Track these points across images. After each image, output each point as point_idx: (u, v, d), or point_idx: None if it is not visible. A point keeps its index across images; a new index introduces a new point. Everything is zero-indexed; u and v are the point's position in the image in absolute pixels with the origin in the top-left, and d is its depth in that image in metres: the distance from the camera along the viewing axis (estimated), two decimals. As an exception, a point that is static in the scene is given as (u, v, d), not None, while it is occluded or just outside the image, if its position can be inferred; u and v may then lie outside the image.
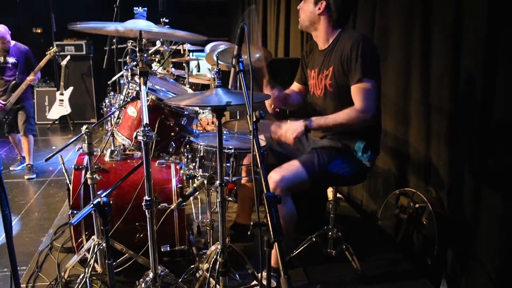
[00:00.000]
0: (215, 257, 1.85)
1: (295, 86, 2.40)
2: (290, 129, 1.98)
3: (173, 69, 4.59)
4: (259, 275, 2.02)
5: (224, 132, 2.46)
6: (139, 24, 1.73)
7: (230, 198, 3.12)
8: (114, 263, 1.87)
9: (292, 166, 2.00)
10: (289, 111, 2.88)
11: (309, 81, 2.26)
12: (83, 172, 2.23)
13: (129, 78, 2.42)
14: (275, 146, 2.31)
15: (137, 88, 2.21)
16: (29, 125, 4.24)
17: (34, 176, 4.20)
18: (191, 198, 2.77)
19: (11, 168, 4.47)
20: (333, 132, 2.14)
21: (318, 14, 2.06)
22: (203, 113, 4.88)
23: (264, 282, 1.50)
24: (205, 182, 1.87)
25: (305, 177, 1.98)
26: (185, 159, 2.19)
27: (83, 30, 1.70)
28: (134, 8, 1.82)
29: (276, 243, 1.06)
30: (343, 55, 1.99)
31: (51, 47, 4.74)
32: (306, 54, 2.30)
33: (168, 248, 2.26)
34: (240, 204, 2.71)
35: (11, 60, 4.19)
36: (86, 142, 1.96)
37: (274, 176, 1.96)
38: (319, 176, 2.03)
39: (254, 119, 1.34)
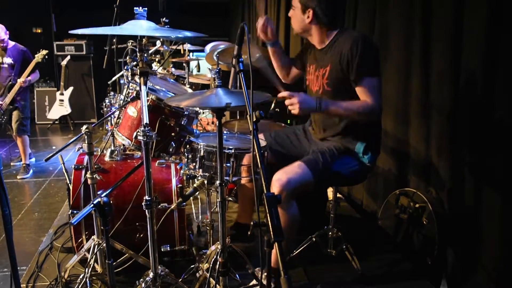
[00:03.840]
0: (215, 257, 1.86)
1: None
2: (303, 102, 1.91)
3: (173, 69, 4.59)
4: (259, 275, 2.02)
5: (224, 132, 2.46)
6: (140, 24, 1.74)
7: (230, 198, 3.13)
8: (114, 263, 1.87)
9: (297, 168, 1.98)
10: (289, 110, 2.87)
11: (307, 75, 2.25)
12: (83, 172, 2.23)
13: (129, 78, 2.42)
14: (275, 146, 2.31)
15: (137, 88, 2.21)
16: (21, 126, 4.23)
17: (28, 176, 4.21)
18: (191, 198, 2.78)
19: (12, 164, 4.49)
20: (333, 134, 2.14)
21: (308, 22, 2.05)
22: (203, 113, 4.89)
23: (264, 282, 1.50)
24: (205, 182, 1.87)
25: (311, 178, 1.97)
26: (185, 159, 2.19)
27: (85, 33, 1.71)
28: (134, 8, 1.81)
29: (276, 243, 1.06)
30: (342, 54, 1.98)
31: (41, 49, 4.52)
32: (306, 47, 2.29)
33: (168, 248, 2.26)
34: (241, 204, 2.71)
35: (8, 60, 4.18)
36: (86, 142, 1.96)
37: (280, 179, 1.92)
38: (323, 177, 2.02)
39: (254, 119, 1.34)
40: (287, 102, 1.95)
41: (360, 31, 3.04)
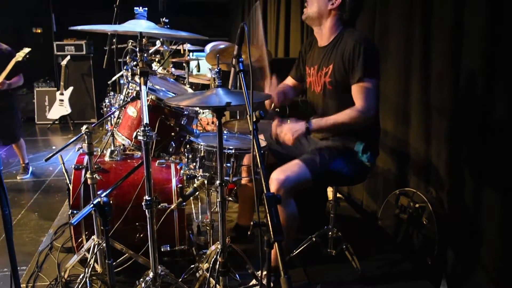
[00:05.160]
0: (215, 257, 1.85)
1: (290, 81, 2.40)
2: (291, 130, 1.98)
3: (173, 69, 4.59)
4: (259, 274, 2.02)
5: (224, 132, 2.46)
6: (140, 24, 1.74)
7: (230, 198, 3.13)
8: (114, 263, 1.87)
9: (295, 166, 1.98)
10: (288, 111, 2.88)
11: (307, 78, 2.25)
12: (83, 172, 2.23)
13: (129, 78, 2.41)
14: (274, 146, 2.31)
15: (137, 88, 2.21)
16: (19, 133, 4.04)
17: (27, 176, 4.19)
18: (191, 198, 2.78)
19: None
20: (333, 134, 2.14)
21: (330, 9, 2.04)
22: (203, 113, 4.89)
23: (264, 282, 1.50)
24: (205, 182, 1.87)
25: (308, 176, 1.97)
26: (186, 159, 2.19)
27: (83, 30, 1.71)
28: (135, 8, 1.82)
29: (276, 243, 1.06)
30: (345, 53, 1.99)
31: (24, 48, 3.96)
32: (305, 51, 2.30)
33: (168, 248, 2.26)
34: (241, 205, 2.71)
35: None
36: (86, 142, 1.96)
37: (278, 177, 1.93)
38: (321, 176, 2.03)
39: (254, 119, 1.34)
40: (281, 138, 2.02)
41: (360, 31, 3.05)
